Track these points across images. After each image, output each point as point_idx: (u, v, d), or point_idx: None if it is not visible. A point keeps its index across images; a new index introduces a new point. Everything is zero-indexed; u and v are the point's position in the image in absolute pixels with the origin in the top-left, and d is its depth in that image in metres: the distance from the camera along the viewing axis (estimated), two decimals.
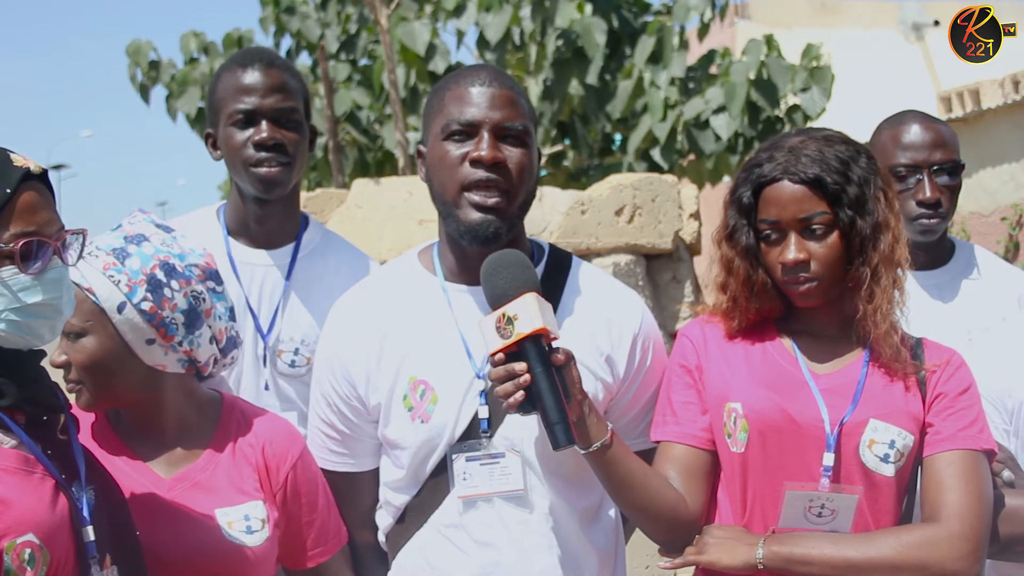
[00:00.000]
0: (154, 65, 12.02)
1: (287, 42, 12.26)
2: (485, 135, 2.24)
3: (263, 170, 2.74)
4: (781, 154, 2.23)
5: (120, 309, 2.11)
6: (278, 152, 2.74)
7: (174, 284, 2.15)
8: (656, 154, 11.01)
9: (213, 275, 2.24)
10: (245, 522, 2.18)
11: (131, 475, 2.16)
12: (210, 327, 2.20)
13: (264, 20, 12.37)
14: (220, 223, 2.86)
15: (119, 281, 2.11)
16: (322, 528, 2.34)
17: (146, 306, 2.11)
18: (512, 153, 2.26)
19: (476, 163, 2.24)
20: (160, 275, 2.14)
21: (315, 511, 2.33)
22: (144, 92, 12.07)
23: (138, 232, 2.19)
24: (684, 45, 11.34)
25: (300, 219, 2.91)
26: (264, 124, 2.74)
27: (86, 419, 2.21)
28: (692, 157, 11.39)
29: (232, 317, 2.28)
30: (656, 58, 11.12)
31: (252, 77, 2.76)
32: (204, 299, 2.19)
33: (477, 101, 2.26)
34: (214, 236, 2.79)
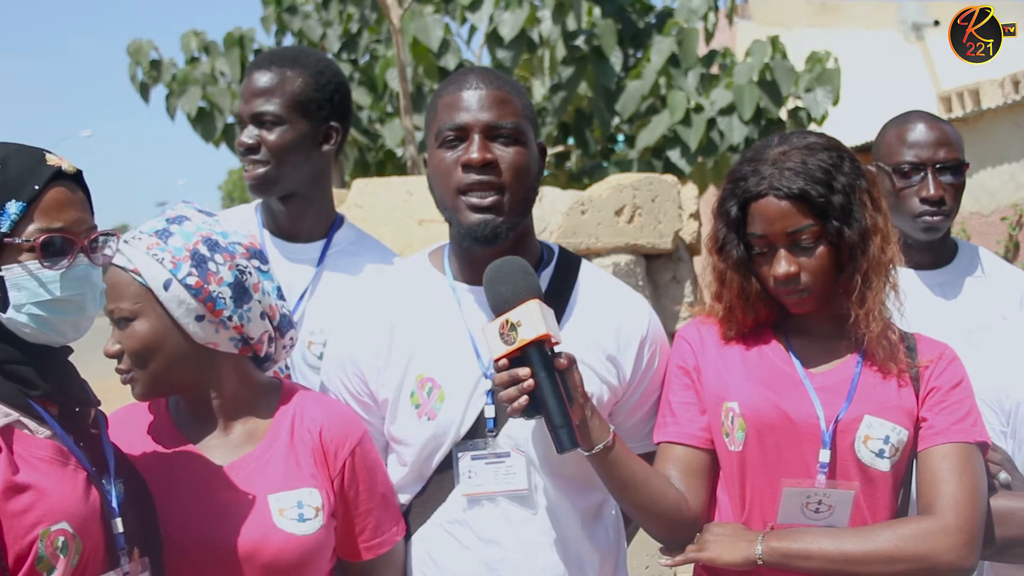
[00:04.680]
0: (155, 64, 12.01)
1: (288, 41, 12.24)
2: (475, 138, 2.26)
3: (246, 173, 2.85)
4: (765, 167, 2.23)
5: (166, 286, 2.07)
6: (251, 153, 2.84)
7: (218, 258, 2.11)
8: (676, 155, 10.90)
9: (257, 254, 2.21)
10: (298, 509, 2.12)
11: (181, 463, 2.13)
12: (259, 302, 2.16)
13: (266, 19, 12.38)
14: (257, 216, 2.96)
15: (162, 259, 2.08)
16: (380, 519, 2.26)
17: (191, 281, 2.08)
18: (504, 152, 2.27)
19: (467, 166, 2.25)
20: (203, 250, 2.11)
21: (373, 500, 2.25)
22: (144, 91, 12.07)
23: (180, 215, 2.17)
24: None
25: (334, 217, 2.98)
26: (248, 127, 2.85)
27: (140, 407, 2.19)
28: (699, 159, 11.34)
29: (281, 296, 2.25)
30: (676, 60, 11.05)
31: (250, 80, 2.87)
32: (250, 273, 2.16)
33: (466, 105, 2.28)
34: (250, 228, 2.85)
